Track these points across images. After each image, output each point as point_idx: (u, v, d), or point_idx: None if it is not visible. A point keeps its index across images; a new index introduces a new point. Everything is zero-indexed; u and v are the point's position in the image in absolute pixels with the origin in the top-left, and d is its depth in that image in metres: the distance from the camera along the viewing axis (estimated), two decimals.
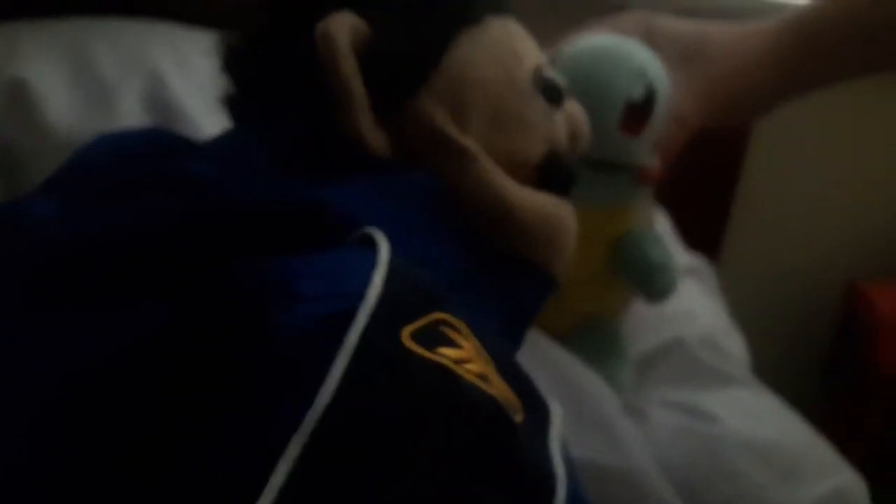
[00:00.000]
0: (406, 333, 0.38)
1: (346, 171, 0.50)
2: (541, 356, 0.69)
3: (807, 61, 0.74)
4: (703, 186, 1.35)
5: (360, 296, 0.38)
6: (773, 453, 0.73)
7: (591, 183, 0.67)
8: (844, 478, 0.74)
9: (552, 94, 0.58)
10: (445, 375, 0.38)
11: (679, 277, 0.75)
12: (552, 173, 0.57)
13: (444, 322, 0.40)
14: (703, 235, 1.24)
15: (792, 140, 1.45)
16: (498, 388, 0.40)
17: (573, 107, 0.62)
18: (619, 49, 0.72)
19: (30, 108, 0.83)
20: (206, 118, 0.82)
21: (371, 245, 0.42)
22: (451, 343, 0.39)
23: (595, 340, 0.77)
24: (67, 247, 0.47)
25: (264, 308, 0.38)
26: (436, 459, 0.37)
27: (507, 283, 0.54)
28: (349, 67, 0.51)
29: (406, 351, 0.38)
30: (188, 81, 0.88)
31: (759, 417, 0.76)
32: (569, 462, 0.44)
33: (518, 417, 0.40)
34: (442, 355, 0.38)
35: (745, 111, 0.77)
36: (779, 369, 1.02)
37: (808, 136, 1.47)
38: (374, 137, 0.51)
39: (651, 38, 0.74)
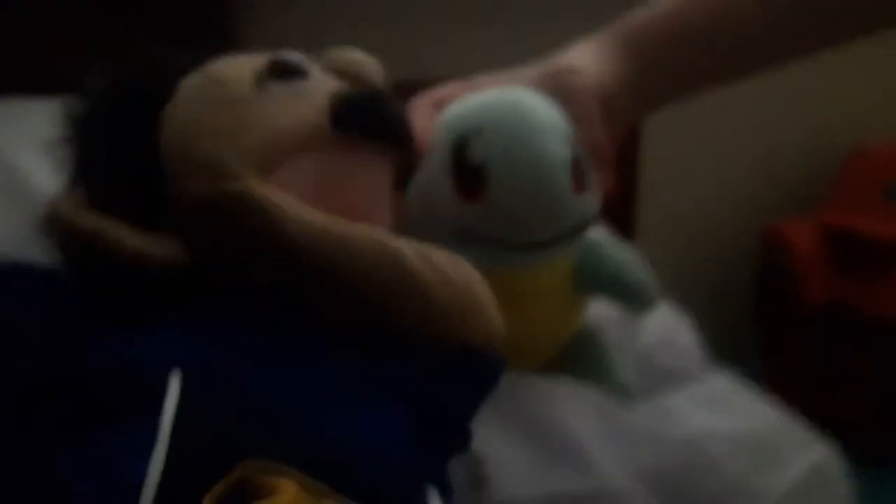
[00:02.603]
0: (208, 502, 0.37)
1: (166, 307, 0.48)
2: (503, 403, 0.67)
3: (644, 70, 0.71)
4: None
5: (136, 490, 0.37)
6: (746, 441, 0.73)
7: (557, 247, 0.66)
8: (818, 453, 0.74)
9: (290, 70, 0.56)
10: None
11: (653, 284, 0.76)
12: (348, 114, 0.55)
13: (259, 468, 0.39)
14: (613, 208, 1.22)
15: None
16: None
17: (343, 57, 0.60)
18: (528, 106, 0.67)
19: None
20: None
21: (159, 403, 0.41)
22: (268, 490, 0.38)
23: (581, 357, 0.77)
24: None
25: None
26: None
27: (399, 376, 0.49)
28: (80, 217, 0.51)
29: None
30: (33, 153, 0.81)
31: (724, 407, 0.76)
32: None
33: None
34: None
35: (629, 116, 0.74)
36: (712, 321, 1.01)
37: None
38: (158, 246, 0.50)
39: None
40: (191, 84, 0.55)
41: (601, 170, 0.70)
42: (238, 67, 0.56)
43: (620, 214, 1.36)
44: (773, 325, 1.67)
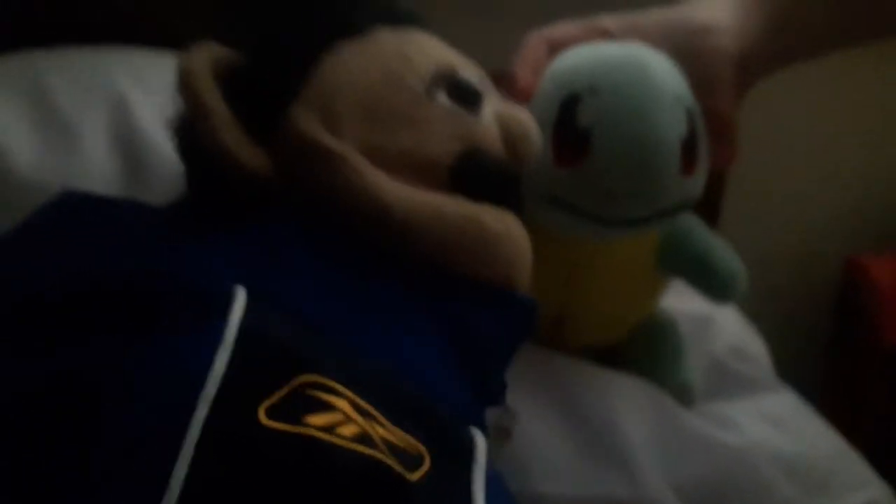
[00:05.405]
0: (263, 409, 0.37)
1: (225, 221, 0.50)
2: (556, 394, 0.67)
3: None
4: None
5: (200, 383, 0.37)
6: (801, 466, 0.71)
7: (650, 226, 0.64)
8: (873, 492, 0.72)
9: (464, 96, 0.56)
10: (310, 447, 0.37)
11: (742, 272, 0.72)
12: (467, 172, 0.54)
13: (313, 384, 0.39)
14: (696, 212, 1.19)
15: (779, 118, 1.42)
16: (387, 440, 0.39)
17: (513, 110, 0.58)
18: (651, 74, 0.61)
19: None
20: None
21: (225, 312, 0.41)
22: (321, 406, 0.38)
23: (651, 345, 0.74)
24: None
25: (96, 410, 0.38)
26: None
27: (442, 306, 0.51)
28: (205, 87, 0.51)
29: (261, 429, 0.37)
30: (152, 106, 0.82)
31: (786, 427, 0.74)
32: (500, 494, 0.44)
33: (419, 468, 0.40)
34: (308, 425, 0.37)
35: (754, 75, 0.68)
36: (783, 349, 0.99)
37: (796, 113, 1.44)
38: (248, 155, 0.51)
39: (636, 35, 0.65)
40: (383, 43, 0.56)
41: (719, 143, 0.65)
42: (428, 56, 0.56)
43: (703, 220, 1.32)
44: (842, 360, 1.62)
